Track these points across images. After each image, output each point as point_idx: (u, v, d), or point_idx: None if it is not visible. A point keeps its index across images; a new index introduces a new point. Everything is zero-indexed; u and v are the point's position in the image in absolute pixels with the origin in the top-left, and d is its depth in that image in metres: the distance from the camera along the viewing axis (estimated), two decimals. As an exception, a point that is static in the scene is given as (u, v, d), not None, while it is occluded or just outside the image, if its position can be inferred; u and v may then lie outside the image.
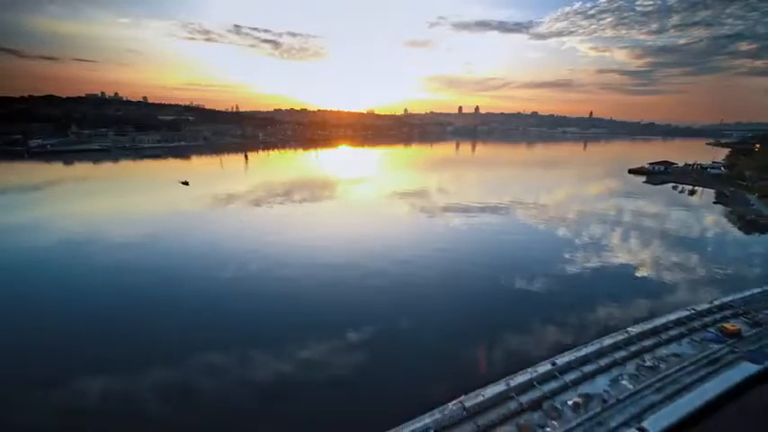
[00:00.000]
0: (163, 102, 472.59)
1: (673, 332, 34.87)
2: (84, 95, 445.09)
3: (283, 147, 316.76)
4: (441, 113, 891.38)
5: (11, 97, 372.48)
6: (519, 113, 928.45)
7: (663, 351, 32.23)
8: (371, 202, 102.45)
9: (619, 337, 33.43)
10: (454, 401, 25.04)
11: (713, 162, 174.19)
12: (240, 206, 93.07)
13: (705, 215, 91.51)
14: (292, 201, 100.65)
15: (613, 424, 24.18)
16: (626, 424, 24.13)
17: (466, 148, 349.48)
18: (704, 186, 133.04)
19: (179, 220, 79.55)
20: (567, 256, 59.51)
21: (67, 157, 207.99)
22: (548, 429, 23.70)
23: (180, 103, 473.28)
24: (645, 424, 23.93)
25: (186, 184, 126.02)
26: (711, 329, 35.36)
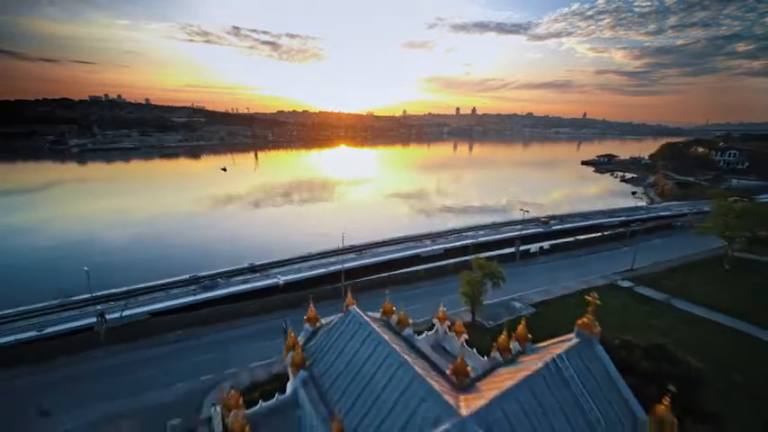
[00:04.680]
0: (165, 104, 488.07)
1: (509, 225, 69.58)
2: (87, 98, 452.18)
3: (290, 146, 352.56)
4: (439, 114, 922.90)
5: (26, 100, 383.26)
6: (515, 114, 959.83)
7: (504, 228, 67.03)
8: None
9: (482, 224, 68.48)
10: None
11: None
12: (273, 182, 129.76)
13: (605, 187, 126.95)
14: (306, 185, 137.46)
15: (454, 241, 59.26)
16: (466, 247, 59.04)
17: (462, 148, 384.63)
18: (634, 173, 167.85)
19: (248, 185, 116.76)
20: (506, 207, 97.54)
21: (111, 155, 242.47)
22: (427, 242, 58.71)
23: (183, 105, 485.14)
24: (467, 243, 58.74)
25: (224, 170, 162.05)
26: (534, 223, 69.90)
